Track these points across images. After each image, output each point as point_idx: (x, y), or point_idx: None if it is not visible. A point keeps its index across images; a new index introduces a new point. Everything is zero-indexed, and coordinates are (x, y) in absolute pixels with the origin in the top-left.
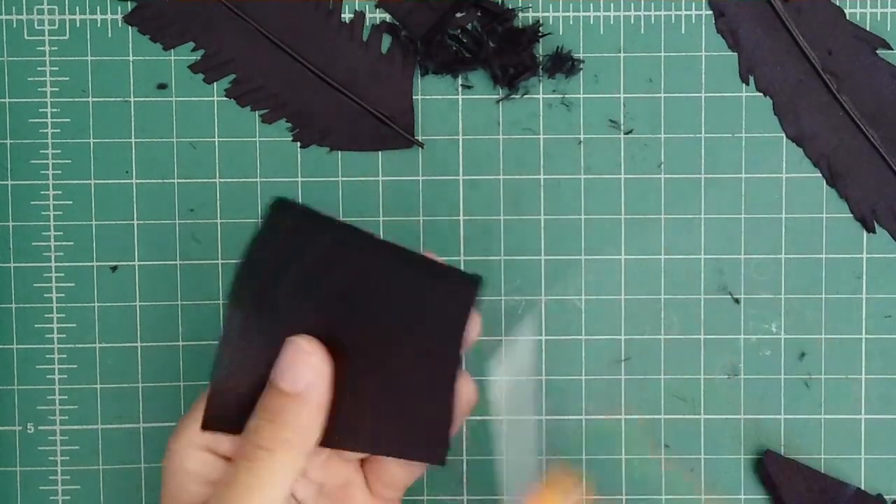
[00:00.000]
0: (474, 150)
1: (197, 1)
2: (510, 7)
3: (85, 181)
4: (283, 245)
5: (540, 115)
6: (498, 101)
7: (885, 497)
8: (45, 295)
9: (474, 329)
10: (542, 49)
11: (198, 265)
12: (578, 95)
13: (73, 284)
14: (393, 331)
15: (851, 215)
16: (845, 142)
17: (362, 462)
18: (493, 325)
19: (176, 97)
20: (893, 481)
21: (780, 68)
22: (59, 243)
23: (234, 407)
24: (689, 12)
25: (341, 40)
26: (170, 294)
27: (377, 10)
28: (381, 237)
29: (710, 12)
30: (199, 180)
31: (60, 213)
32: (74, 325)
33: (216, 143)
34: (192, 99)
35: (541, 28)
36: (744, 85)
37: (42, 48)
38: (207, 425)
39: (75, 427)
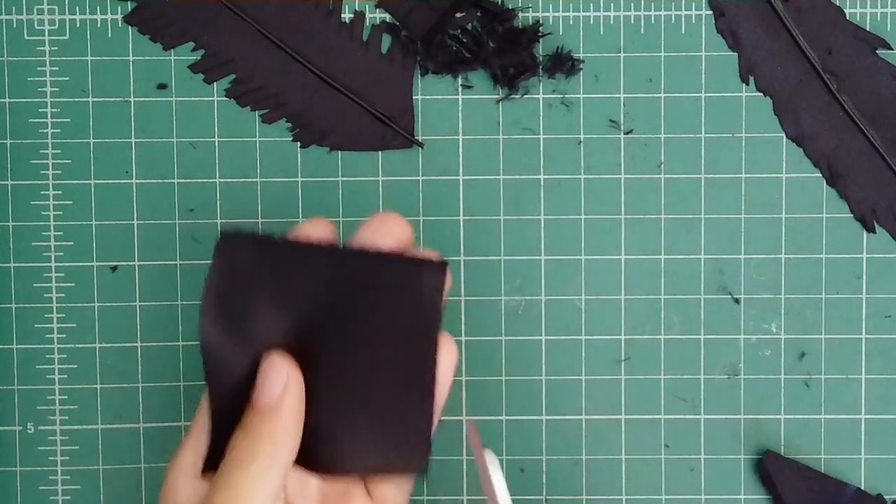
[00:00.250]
0: (474, 150)
1: (197, 1)
2: (510, 7)
3: (85, 181)
4: (243, 276)
5: (540, 115)
6: (498, 101)
7: (885, 497)
8: (45, 295)
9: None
10: (542, 49)
11: (198, 265)
12: (578, 95)
13: (73, 284)
14: (366, 334)
15: (851, 215)
16: (845, 142)
17: None
18: (493, 325)
19: (176, 97)
20: (893, 481)
21: (780, 68)
22: (59, 243)
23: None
24: (689, 12)
25: (341, 40)
26: (170, 294)
27: (377, 10)
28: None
29: (710, 12)
30: (199, 180)
31: (60, 213)
32: (74, 325)
33: (216, 143)
34: (192, 99)
35: (541, 28)
36: (744, 85)
37: (42, 48)
38: (208, 467)
39: (75, 427)
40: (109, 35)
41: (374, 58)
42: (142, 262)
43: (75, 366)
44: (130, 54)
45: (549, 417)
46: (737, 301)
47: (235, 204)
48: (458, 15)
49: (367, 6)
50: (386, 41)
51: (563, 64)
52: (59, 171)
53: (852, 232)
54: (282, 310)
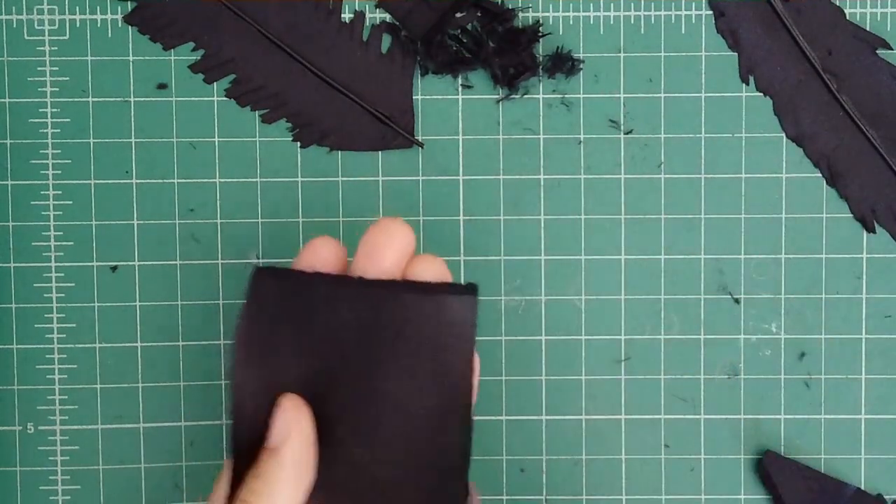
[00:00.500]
0: (474, 150)
1: (197, 1)
2: (510, 7)
3: (85, 181)
4: (274, 313)
5: (540, 115)
6: (498, 101)
7: (885, 497)
8: (45, 295)
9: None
10: (542, 49)
11: (198, 265)
12: (578, 95)
13: (73, 284)
14: (398, 367)
15: (851, 215)
16: (845, 142)
17: None
18: (493, 325)
19: (176, 97)
20: (893, 481)
21: (780, 68)
22: (59, 243)
23: None
24: (689, 12)
25: (341, 40)
26: (170, 294)
27: (377, 10)
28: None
29: (710, 12)
30: (199, 180)
31: (60, 213)
32: (74, 325)
33: (216, 143)
34: (192, 99)
35: (541, 28)
36: (744, 85)
37: (42, 48)
38: None
39: (75, 427)
40: (109, 35)
41: (374, 58)
42: (142, 262)
43: (75, 366)
44: (130, 54)
45: (549, 417)
46: (737, 301)
47: (235, 204)
48: (458, 15)
49: (367, 6)
50: (386, 41)
51: (563, 64)
52: (59, 171)
53: (852, 232)
54: (312, 346)
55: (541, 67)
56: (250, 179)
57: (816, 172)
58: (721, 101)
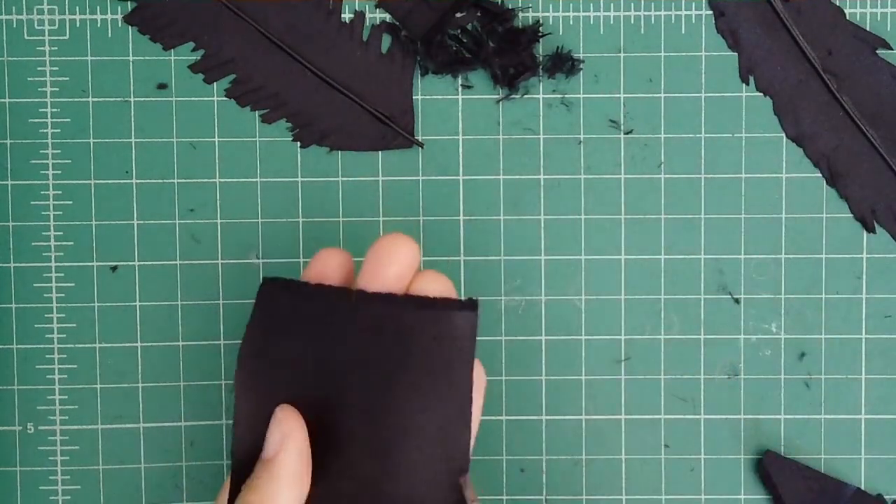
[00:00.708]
0: (474, 150)
1: (197, 1)
2: (510, 7)
3: (85, 181)
4: (280, 323)
5: (540, 115)
6: (498, 101)
7: (885, 497)
8: (45, 295)
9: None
10: (542, 49)
11: (198, 265)
12: (578, 95)
13: (73, 284)
14: (400, 380)
15: (851, 215)
16: (845, 142)
17: None
18: (493, 325)
19: (176, 97)
20: (893, 481)
21: (780, 68)
22: (59, 243)
23: None
24: (689, 12)
25: (341, 40)
26: (170, 294)
27: (377, 10)
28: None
29: (710, 12)
30: (199, 180)
31: (60, 213)
32: (74, 325)
33: (216, 143)
34: (192, 99)
35: (541, 28)
36: (744, 85)
37: (42, 48)
38: None
39: (75, 427)
40: (109, 35)
41: (374, 58)
42: (142, 262)
43: (75, 366)
44: (130, 54)
45: (549, 417)
46: (737, 301)
47: (235, 204)
48: (458, 15)
49: (367, 6)
50: (386, 41)
51: (563, 64)
52: (59, 171)
53: (852, 232)
54: (318, 359)
55: (541, 67)
56: (250, 179)
57: (816, 172)
58: (721, 101)
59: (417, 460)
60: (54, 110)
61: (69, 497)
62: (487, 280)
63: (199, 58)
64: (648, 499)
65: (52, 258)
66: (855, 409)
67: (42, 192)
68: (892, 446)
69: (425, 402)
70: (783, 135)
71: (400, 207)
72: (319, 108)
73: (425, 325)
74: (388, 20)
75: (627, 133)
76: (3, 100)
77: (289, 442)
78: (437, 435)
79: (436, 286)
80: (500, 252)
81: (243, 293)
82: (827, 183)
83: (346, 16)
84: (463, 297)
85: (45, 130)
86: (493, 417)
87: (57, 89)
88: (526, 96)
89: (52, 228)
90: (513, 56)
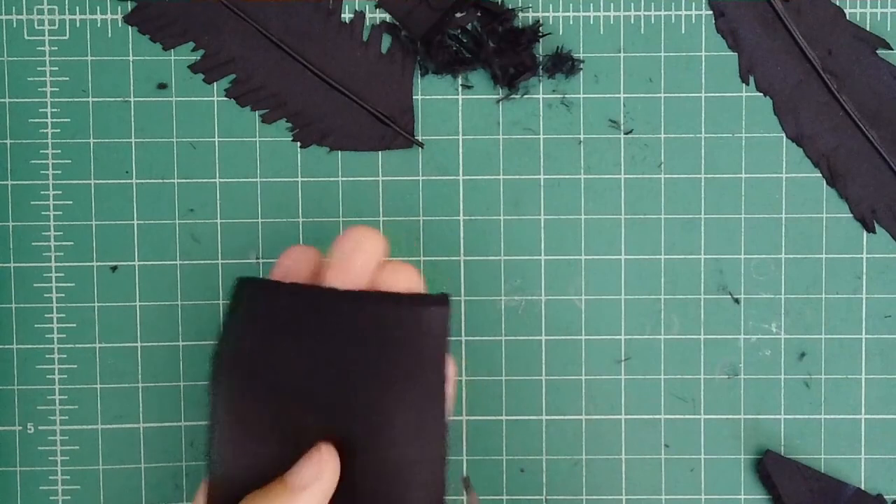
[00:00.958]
0: (474, 150)
1: (197, 1)
2: (510, 7)
3: (85, 181)
4: (256, 321)
5: (540, 115)
6: (498, 101)
7: (885, 497)
8: (45, 295)
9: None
10: (542, 49)
11: (198, 265)
12: (578, 95)
13: (73, 284)
14: (377, 376)
15: (851, 215)
16: (845, 142)
17: None
18: (493, 325)
19: (176, 97)
20: (893, 481)
21: (780, 68)
22: (59, 243)
23: (234, 499)
24: (689, 12)
25: (341, 40)
26: (170, 294)
27: (377, 10)
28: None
29: (710, 12)
30: (199, 180)
31: (60, 213)
32: (74, 325)
33: (216, 143)
34: (192, 99)
35: (541, 28)
36: (744, 85)
37: (42, 48)
38: None
39: (75, 427)
40: (109, 35)
41: (374, 58)
42: (142, 262)
43: (75, 366)
44: (130, 54)
45: (549, 417)
46: (737, 301)
47: (235, 204)
48: (458, 15)
49: (367, 6)
50: (386, 41)
51: (563, 64)
52: (59, 171)
53: (852, 232)
54: (297, 358)
55: (541, 67)
56: (250, 179)
57: (816, 172)
58: (721, 101)
59: (394, 457)
60: (54, 110)
61: (69, 497)
62: (487, 280)
63: (199, 58)
64: (648, 499)
65: (52, 258)
66: (855, 409)
67: (42, 192)
68: (892, 446)
69: (400, 397)
70: (783, 135)
71: (400, 207)
72: (319, 108)
73: (399, 321)
74: (388, 20)
75: (627, 133)
76: (3, 100)
77: (321, 483)
78: (414, 430)
79: (402, 276)
80: (500, 252)
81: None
82: (827, 183)
83: (346, 16)
84: (434, 293)
85: (45, 130)
86: (493, 417)
87: (57, 89)
88: (526, 96)
89: (52, 228)
90: (513, 56)
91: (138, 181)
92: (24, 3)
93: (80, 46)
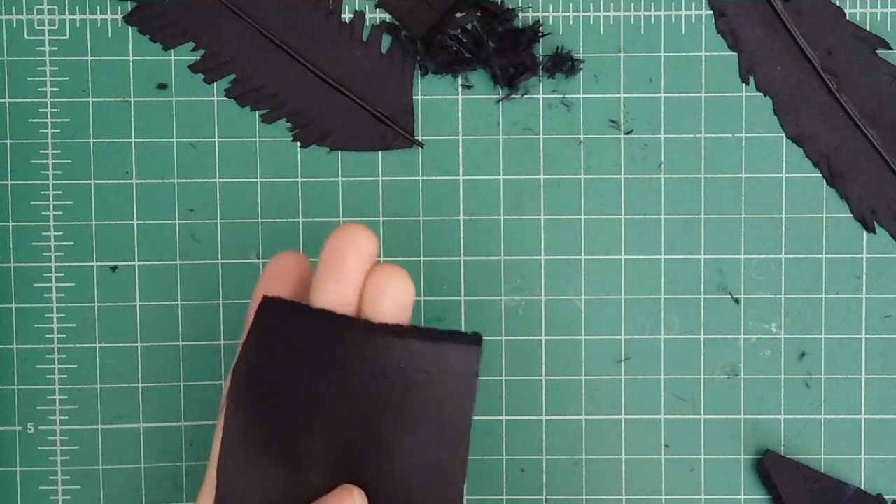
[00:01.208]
0: (474, 150)
1: (197, 1)
2: (510, 7)
3: (85, 181)
4: (278, 345)
5: (540, 115)
6: (498, 101)
7: (885, 497)
8: (45, 295)
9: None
10: (542, 49)
11: (198, 265)
12: (578, 95)
13: (73, 284)
14: (398, 414)
15: (851, 215)
16: (845, 142)
17: None
18: (493, 325)
19: (176, 97)
20: (893, 481)
21: (780, 68)
22: (59, 243)
23: None
24: (689, 12)
25: (341, 40)
26: (170, 294)
27: (377, 10)
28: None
29: (710, 12)
30: (199, 180)
31: (60, 213)
32: (74, 325)
33: (216, 143)
34: (192, 99)
35: (541, 28)
36: (744, 85)
37: (42, 48)
38: None
39: (75, 427)
40: (109, 35)
41: (374, 58)
42: (142, 262)
43: (75, 366)
44: (130, 54)
45: (549, 417)
46: (737, 301)
47: (235, 204)
48: (458, 15)
49: (367, 6)
50: (386, 41)
51: (563, 64)
52: (59, 171)
53: (852, 232)
54: (315, 387)
55: (541, 67)
56: (250, 179)
57: (816, 172)
58: (721, 101)
59: (410, 498)
60: (54, 110)
61: (69, 497)
62: (487, 280)
63: (199, 58)
64: (648, 499)
65: (52, 258)
66: (855, 409)
67: (42, 192)
68: (892, 446)
69: (419, 438)
70: (783, 135)
71: (400, 207)
72: (319, 108)
73: (427, 358)
74: (388, 20)
75: (627, 133)
76: (3, 100)
77: None
78: (432, 472)
79: (393, 279)
80: (500, 252)
81: (243, 293)
82: (827, 183)
83: (346, 16)
84: (467, 331)
85: (45, 130)
86: (493, 417)
87: (57, 89)
88: (526, 96)
89: (52, 228)
90: (513, 56)
91: (138, 181)
92: (24, 3)
93: (80, 46)
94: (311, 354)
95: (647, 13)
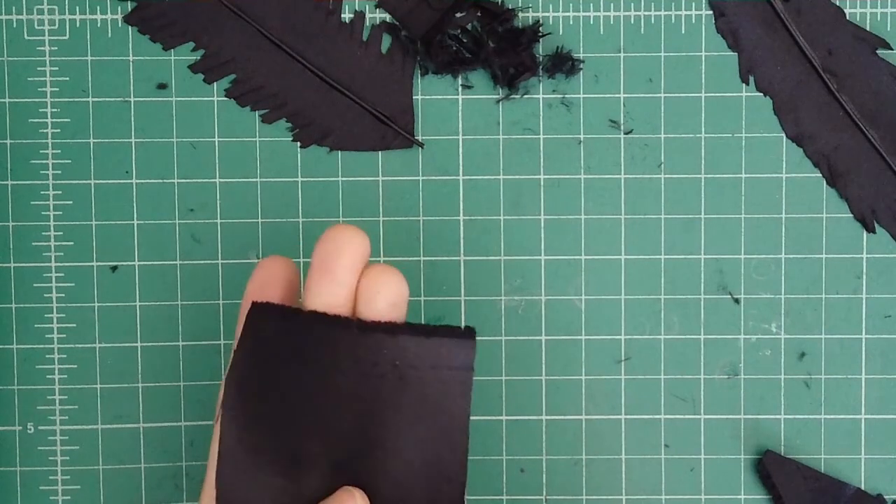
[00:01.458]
0: (474, 150)
1: (197, 1)
2: (510, 7)
3: (85, 181)
4: (271, 349)
5: (540, 115)
6: (498, 101)
7: (885, 497)
8: (45, 295)
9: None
10: (542, 49)
11: (198, 265)
12: (578, 95)
13: (73, 284)
14: (393, 412)
15: (851, 215)
16: (845, 142)
17: None
18: (493, 325)
19: (176, 97)
20: (893, 481)
21: (780, 68)
22: (59, 243)
23: None
24: (689, 12)
25: (341, 40)
26: (170, 294)
27: (377, 10)
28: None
29: (710, 12)
30: (199, 180)
31: (60, 213)
32: (74, 325)
33: (216, 143)
34: (192, 99)
35: (541, 28)
36: (744, 85)
37: (42, 48)
38: None
39: (75, 427)
40: (109, 35)
41: (374, 58)
42: (142, 262)
43: (75, 366)
44: (130, 54)
45: (549, 417)
46: (737, 301)
47: (235, 204)
48: (458, 15)
49: (367, 6)
50: (386, 41)
51: (563, 64)
52: (59, 171)
53: (852, 232)
54: (310, 389)
55: (541, 67)
56: (250, 179)
57: (816, 172)
58: (721, 101)
59: (408, 496)
60: (54, 110)
61: (69, 497)
62: (487, 280)
63: (199, 58)
64: (648, 499)
65: (52, 258)
66: (855, 409)
67: (42, 192)
68: (892, 446)
69: (417, 436)
70: (783, 135)
71: (400, 207)
72: (319, 108)
73: (423, 354)
74: (388, 20)
75: (627, 133)
76: (3, 100)
77: None
78: (429, 472)
79: (386, 279)
80: (500, 252)
81: (243, 293)
82: (827, 183)
83: (346, 16)
84: (462, 325)
85: (45, 130)
86: (493, 417)
87: (57, 89)
88: (526, 96)
89: (52, 228)
90: (513, 56)
91: (138, 181)
92: (24, 3)
93: (80, 46)
94: (303, 357)
95: (647, 13)
